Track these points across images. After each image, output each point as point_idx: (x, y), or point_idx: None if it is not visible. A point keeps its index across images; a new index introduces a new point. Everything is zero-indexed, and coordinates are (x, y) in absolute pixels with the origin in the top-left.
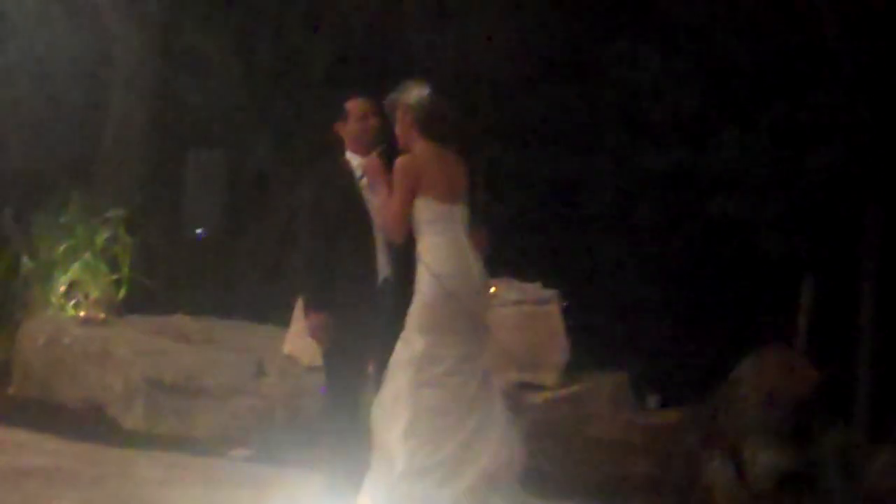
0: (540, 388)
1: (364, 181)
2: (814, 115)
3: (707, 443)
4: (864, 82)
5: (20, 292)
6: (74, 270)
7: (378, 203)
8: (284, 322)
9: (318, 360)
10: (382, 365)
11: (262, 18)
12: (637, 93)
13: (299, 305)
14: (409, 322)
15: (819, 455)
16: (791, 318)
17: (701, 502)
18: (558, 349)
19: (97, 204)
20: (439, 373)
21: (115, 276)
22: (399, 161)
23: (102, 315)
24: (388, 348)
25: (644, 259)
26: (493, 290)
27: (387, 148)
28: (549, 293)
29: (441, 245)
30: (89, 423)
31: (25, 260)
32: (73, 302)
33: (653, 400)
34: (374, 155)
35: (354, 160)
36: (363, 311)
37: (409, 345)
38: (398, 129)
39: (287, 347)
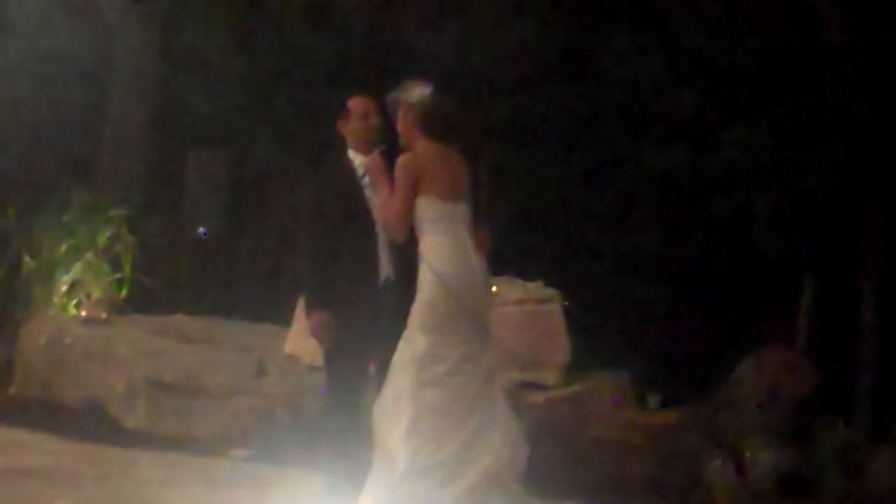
0: (541, 387)
1: (366, 180)
2: (814, 115)
3: (707, 443)
4: (865, 81)
5: (22, 292)
6: (76, 270)
7: (380, 202)
8: (285, 321)
9: (320, 360)
10: (384, 364)
11: (262, 18)
12: (637, 92)
13: (301, 305)
14: (411, 321)
15: (819, 455)
16: (791, 318)
17: (701, 502)
18: (559, 348)
19: (99, 203)
20: (441, 372)
21: (117, 276)
22: (400, 160)
23: (104, 315)
24: (390, 348)
25: (644, 259)
26: (494, 289)
27: (388, 147)
28: (551, 292)
29: (443, 244)
30: (90, 423)
31: (27, 259)
32: (74, 301)
33: (653, 400)
34: (375, 154)
35: (356, 159)
36: (365, 311)
37: (411, 344)
38: (400, 128)
39: (288, 347)
